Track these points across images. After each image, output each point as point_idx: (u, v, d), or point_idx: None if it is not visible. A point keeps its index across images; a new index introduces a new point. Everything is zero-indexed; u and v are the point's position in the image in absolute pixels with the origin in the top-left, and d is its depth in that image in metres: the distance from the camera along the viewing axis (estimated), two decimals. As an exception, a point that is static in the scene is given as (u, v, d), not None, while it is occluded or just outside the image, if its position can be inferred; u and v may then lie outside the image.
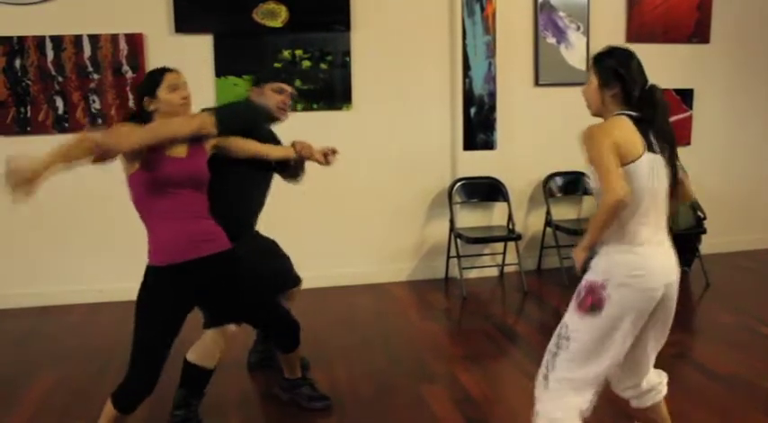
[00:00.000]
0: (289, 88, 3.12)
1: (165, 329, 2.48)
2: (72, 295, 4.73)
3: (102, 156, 2.27)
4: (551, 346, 2.28)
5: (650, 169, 2.18)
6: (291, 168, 3.21)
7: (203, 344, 2.85)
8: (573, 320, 2.23)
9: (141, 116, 2.52)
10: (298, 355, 3.01)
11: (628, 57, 2.26)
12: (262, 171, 3.10)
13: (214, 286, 2.59)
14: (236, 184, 2.94)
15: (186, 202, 2.50)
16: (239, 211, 3.04)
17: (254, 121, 2.95)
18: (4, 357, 3.91)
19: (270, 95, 3.06)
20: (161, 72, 2.56)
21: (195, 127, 2.51)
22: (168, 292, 2.48)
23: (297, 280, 3.46)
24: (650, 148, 2.20)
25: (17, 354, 3.94)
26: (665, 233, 2.32)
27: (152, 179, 2.42)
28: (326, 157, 3.13)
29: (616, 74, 2.22)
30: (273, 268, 3.29)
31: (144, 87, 2.54)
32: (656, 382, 2.51)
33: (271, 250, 3.32)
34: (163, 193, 2.44)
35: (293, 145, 3.09)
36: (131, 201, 2.51)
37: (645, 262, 2.20)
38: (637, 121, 2.19)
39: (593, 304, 2.17)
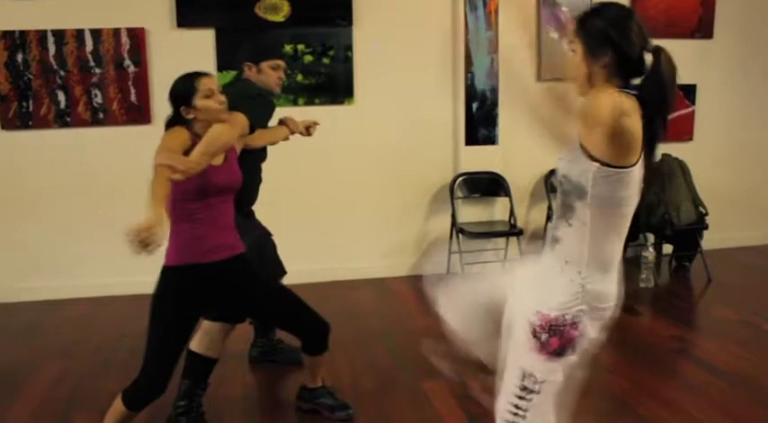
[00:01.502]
0: (283, 63, 3.22)
1: (179, 330, 2.49)
2: (75, 289, 4.73)
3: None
4: (513, 402, 1.85)
5: (640, 171, 1.73)
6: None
7: (208, 334, 2.87)
8: (538, 367, 1.79)
9: (179, 122, 2.48)
10: (323, 361, 2.92)
11: (623, 14, 1.75)
12: (258, 156, 3.15)
13: (230, 289, 2.60)
14: (247, 173, 2.94)
15: (218, 210, 2.52)
16: (252, 196, 3.14)
17: (269, 113, 3.03)
18: (8, 351, 3.92)
19: (269, 73, 3.15)
20: (193, 79, 2.46)
21: (239, 132, 2.58)
22: (183, 294, 2.49)
23: (282, 270, 3.41)
24: (648, 144, 1.73)
25: (20, 347, 3.95)
26: None
27: (193, 188, 2.42)
28: (308, 129, 3.24)
29: (607, 38, 1.71)
30: (269, 255, 3.32)
31: (179, 96, 2.45)
32: None
33: (264, 236, 3.33)
34: (198, 200, 2.46)
35: (284, 123, 3.17)
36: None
37: (609, 292, 1.79)
38: (639, 102, 1.69)
39: (562, 347, 1.76)
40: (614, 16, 1.73)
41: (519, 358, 1.83)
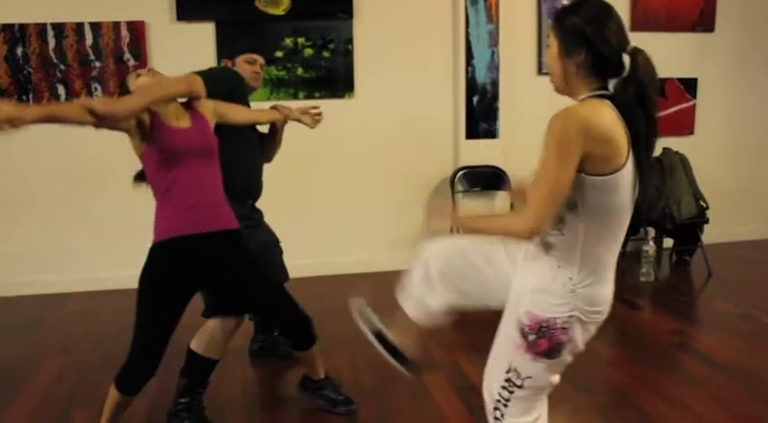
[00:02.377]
0: (260, 59, 3.19)
1: (168, 309, 2.44)
2: (74, 283, 4.74)
3: (100, 122, 2.26)
4: (500, 392, 1.89)
5: (634, 175, 1.69)
6: (268, 142, 3.25)
7: (210, 334, 2.83)
8: (524, 364, 1.81)
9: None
10: (316, 353, 2.88)
11: (601, 11, 1.67)
12: (254, 137, 3.14)
13: (218, 266, 2.54)
14: (238, 152, 2.91)
15: (197, 178, 2.47)
16: (250, 180, 3.09)
17: (237, 85, 2.99)
18: (7, 346, 3.92)
19: (242, 66, 3.14)
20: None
21: (186, 85, 2.53)
22: (171, 270, 2.44)
23: (286, 276, 3.40)
24: (635, 143, 1.66)
25: (20, 342, 3.96)
26: None
27: (161, 153, 2.40)
28: (310, 116, 3.17)
29: (582, 36, 1.65)
30: (272, 259, 3.30)
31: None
32: None
33: (271, 241, 3.31)
34: (174, 167, 2.42)
35: (275, 108, 3.13)
36: (147, 180, 2.49)
37: (604, 295, 1.78)
38: (616, 105, 1.65)
39: (550, 349, 1.76)
40: (592, 14, 1.67)
41: (507, 352, 1.86)
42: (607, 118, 1.61)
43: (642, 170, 1.68)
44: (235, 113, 2.81)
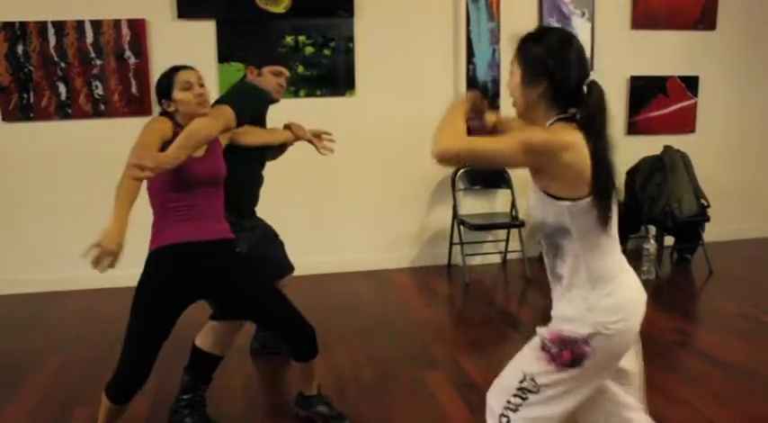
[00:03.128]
0: (286, 71, 3.17)
1: (161, 319, 2.42)
2: (75, 281, 4.74)
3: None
4: (509, 399, 1.85)
5: None
6: (275, 151, 3.26)
7: (216, 331, 2.82)
8: (543, 374, 1.80)
9: (167, 114, 2.50)
10: (315, 367, 2.80)
11: (563, 42, 1.71)
12: (253, 156, 3.11)
13: (216, 274, 2.53)
14: (239, 172, 2.92)
15: (201, 202, 2.49)
16: (244, 196, 3.08)
17: (263, 107, 3.03)
18: (8, 344, 3.93)
19: (269, 78, 3.11)
20: (172, 72, 2.50)
21: (222, 126, 2.53)
22: (169, 275, 2.44)
23: (291, 267, 3.46)
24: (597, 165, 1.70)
25: (21, 340, 3.96)
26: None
27: (171, 179, 2.40)
28: (320, 140, 3.20)
29: (544, 67, 1.68)
30: (273, 254, 3.33)
31: (159, 90, 2.51)
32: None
33: (270, 236, 3.33)
34: (182, 191, 2.44)
35: (288, 127, 3.14)
36: (146, 189, 2.48)
37: (624, 299, 1.78)
38: (580, 127, 1.69)
39: (575, 359, 1.75)
40: (554, 45, 1.70)
41: (523, 363, 1.85)
42: (582, 145, 1.65)
43: (606, 192, 1.69)
44: (248, 137, 2.87)
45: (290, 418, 2.94)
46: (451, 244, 5.17)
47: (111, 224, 2.23)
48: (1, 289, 4.75)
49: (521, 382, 1.84)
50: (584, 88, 1.69)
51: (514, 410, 1.85)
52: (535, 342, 1.84)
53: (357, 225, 5.15)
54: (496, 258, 5.33)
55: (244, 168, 2.96)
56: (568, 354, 1.76)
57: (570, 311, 1.77)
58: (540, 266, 5.52)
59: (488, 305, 4.44)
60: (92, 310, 4.40)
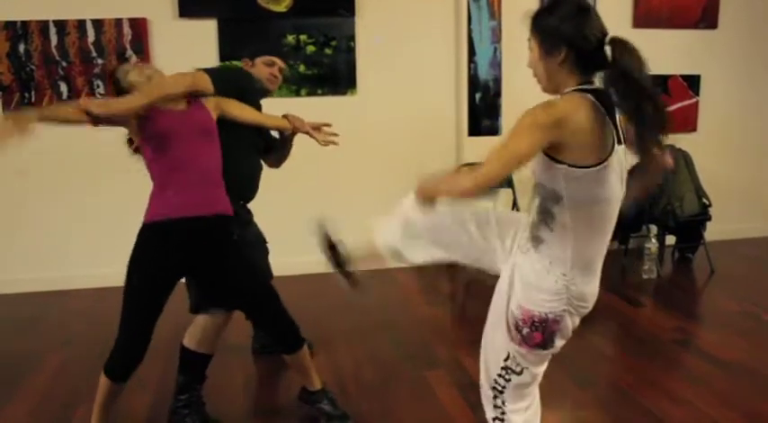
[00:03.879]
0: (279, 61, 3.15)
1: (153, 293, 2.42)
2: (77, 280, 4.74)
3: (96, 120, 2.28)
4: (497, 380, 1.95)
5: (621, 169, 1.70)
6: (277, 150, 3.22)
7: (201, 329, 2.80)
8: (519, 353, 1.88)
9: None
10: (307, 360, 2.78)
11: (575, 8, 1.68)
12: (253, 140, 3.09)
13: (207, 250, 2.50)
14: (235, 154, 2.91)
15: (195, 155, 2.45)
16: (243, 184, 3.03)
17: (247, 86, 2.97)
18: (8, 343, 3.93)
19: (261, 68, 3.11)
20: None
21: (189, 82, 2.51)
22: (159, 250, 2.42)
23: (270, 275, 3.36)
24: (619, 138, 1.68)
25: (21, 339, 3.96)
26: None
27: (154, 134, 2.40)
28: (319, 132, 3.14)
29: (560, 35, 1.66)
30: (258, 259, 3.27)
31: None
32: None
33: (260, 241, 3.29)
34: (170, 147, 2.41)
35: (286, 117, 3.08)
36: (147, 167, 2.49)
37: (592, 291, 1.85)
38: (598, 97, 1.65)
39: (545, 340, 1.82)
40: (567, 12, 1.68)
41: (504, 341, 1.90)
42: (584, 111, 1.62)
43: (643, 158, 1.67)
44: (239, 111, 2.80)
45: (291, 418, 2.94)
46: (453, 243, 5.16)
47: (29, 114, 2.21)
48: (1, 288, 4.75)
49: (505, 360, 1.91)
50: (608, 48, 1.66)
51: (501, 392, 1.95)
52: (508, 316, 1.87)
53: (358, 224, 5.14)
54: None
55: (245, 153, 2.95)
56: (539, 335, 1.81)
57: (547, 283, 1.77)
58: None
59: (490, 304, 4.44)
60: (92, 309, 4.40)
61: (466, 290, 4.75)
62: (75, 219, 4.72)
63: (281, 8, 4.82)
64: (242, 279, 2.60)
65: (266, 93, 3.15)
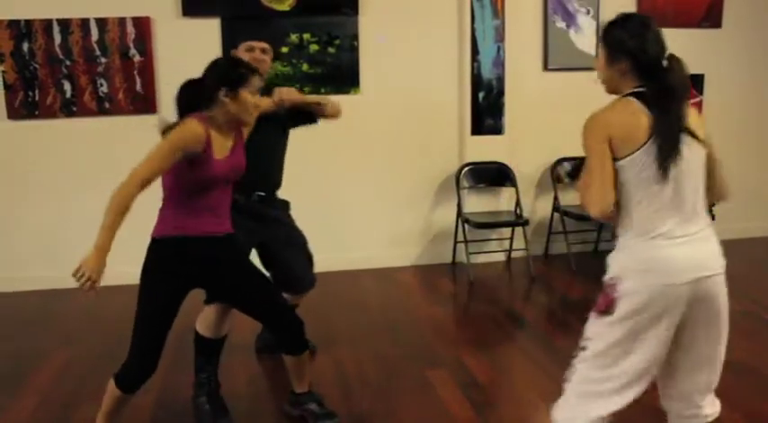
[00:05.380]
0: (258, 44, 3.12)
1: (165, 305, 2.44)
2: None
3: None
4: (572, 363, 2.05)
5: (658, 157, 1.88)
6: (305, 113, 3.17)
7: (209, 318, 2.92)
8: (589, 325, 2.00)
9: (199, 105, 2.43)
10: (306, 363, 2.82)
11: (642, 26, 1.96)
12: (277, 130, 3.14)
13: (212, 266, 2.53)
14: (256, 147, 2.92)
15: (215, 200, 2.49)
16: (259, 174, 3.04)
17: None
18: (15, 339, 3.94)
19: (242, 56, 3.07)
20: (248, 71, 2.44)
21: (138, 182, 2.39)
22: (167, 265, 2.45)
23: (311, 282, 3.42)
24: (660, 133, 1.88)
25: (26, 337, 3.98)
26: (697, 224, 1.99)
27: (192, 180, 2.39)
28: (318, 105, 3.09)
29: (624, 47, 1.93)
30: (293, 259, 3.30)
31: (227, 78, 2.40)
32: (699, 412, 2.11)
33: (296, 241, 3.32)
34: (199, 191, 2.43)
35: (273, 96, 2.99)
36: (161, 180, 2.45)
37: (660, 254, 1.91)
38: (647, 100, 1.89)
39: (606, 307, 1.94)
40: (632, 28, 1.94)
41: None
42: (623, 113, 1.89)
43: (661, 152, 1.87)
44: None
45: (293, 417, 2.95)
46: (456, 242, 5.17)
47: (93, 251, 2.29)
48: (7, 286, 4.76)
49: (582, 337, 2.02)
50: (665, 63, 1.94)
51: (575, 368, 2.02)
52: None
53: (361, 223, 5.15)
54: (501, 257, 5.32)
55: (261, 142, 2.91)
56: (603, 300, 1.95)
57: (612, 255, 1.99)
58: (545, 265, 5.50)
59: (492, 304, 4.44)
60: (97, 307, 4.41)
61: (468, 290, 4.75)
62: (81, 216, 4.72)
63: (285, 7, 4.82)
64: (244, 289, 2.64)
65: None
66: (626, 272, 1.92)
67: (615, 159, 1.89)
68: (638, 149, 1.87)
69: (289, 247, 3.28)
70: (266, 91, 3.02)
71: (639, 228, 1.92)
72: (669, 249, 1.91)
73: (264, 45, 3.15)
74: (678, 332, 1.96)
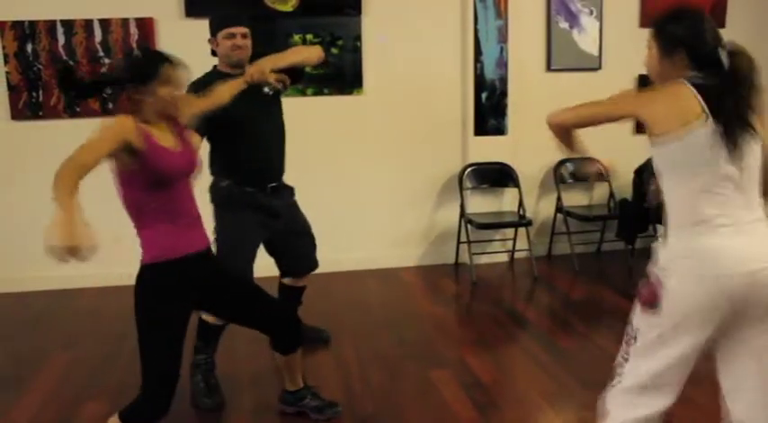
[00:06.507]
0: (240, 30, 3.08)
1: (175, 332, 2.30)
2: (84, 279, 4.76)
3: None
4: (621, 352, 2.02)
5: (714, 141, 1.81)
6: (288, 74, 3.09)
7: None
8: (636, 317, 1.95)
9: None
10: (298, 361, 2.79)
11: (699, 22, 1.94)
12: (280, 114, 3.17)
13: (209, 282, 2.46)
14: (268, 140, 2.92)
15: (180, 197, 2.36)
16: (254, 160, 3.08)
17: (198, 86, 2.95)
18: (17, 340, 3.95)
19: (223, 43, 3.10)
20: (159, 61, 2.41)
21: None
22: (170, 288, 2.32)
23: (314, 264, 3.49)
24: (717, 118, 1.82)
25: (28, 337, 3.98)
26: (753, 215, 1.87)
27: (148, 178, 2.27)
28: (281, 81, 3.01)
29: (681, 41, 1.91)
30: (299, 247, 3.40)
31: (138, 74, 2.36)
32: None
33: (302, 230, 3.40)
34: (165, 187, 2.30)
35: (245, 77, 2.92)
36: (121, 198, 2.38)
37: (713, 244, 1.81)
38: (702, 87, 1.84)
39: (651, 299, 1.88)
40: (689, 22, 1.93)
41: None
42: (675, 94, 1.85)
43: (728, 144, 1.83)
44: (208, 102, 2.70)
45: (291, 414, 2.95)
46: (459, 242, 5.16)
47: (56, 217, 2.01)
48: (9, 286, 4.77)
49: (628, 326, 1.99)
50: (723, 55, 1.89)
51: (626, 359, 2.00)
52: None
53: (364, 223, 5.15)
54: (504, 257, 5.32)
55: (259, 130, 2.95)
56: (648, 292, 1.90)
57: (660, 248, 1.94)
58: (548, 265, 5.50)
59: (495, 304, 4.44)
60: (100, 307, 4.42)
61: (471, 290, 4.75)
62: (87, 217, 4.74)
63: (288, 7, 4.83)
64: (231, 299, 2.57)
65: (238, 67, 3.06)
66: (673, 265, 1.87)
67: (657, 135, 1.86)
68: (695, 131, 1.81)
69: (295, 235, 3.36)
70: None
71: (690, 215, 1.86)
72: (722, 236, 1.82)
73: (245, 30, 3.11)
74: (736, 333, 1.89)
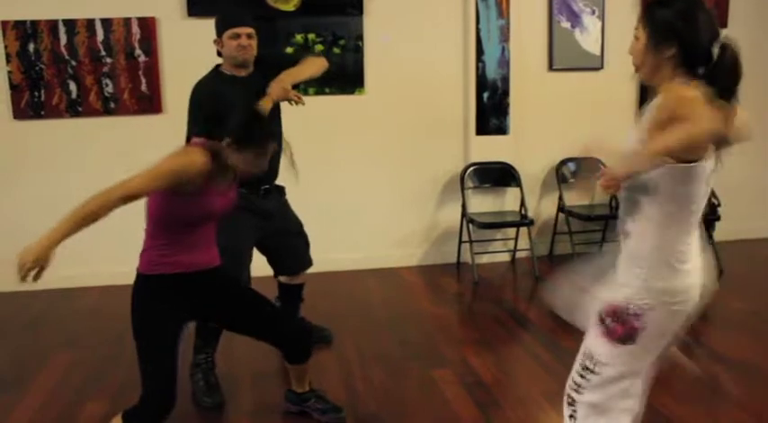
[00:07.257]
0: (245, 30, 3.08)
1: (166, 340, 2.33)
2: (85, 278, 4.76)
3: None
4: (574, 378, 1.92)
5: (710, 165, 1.71)
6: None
7: None
8: (600, 350, 1.83)
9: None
10: (308, 368, 2.82)
11: (691, 5, 1.68)
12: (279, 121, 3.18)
13: (207, 301, 2.48)
14: None
15: (206, 232, 2.42)
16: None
17: (207, 107, 2.97)
18: (18, 340, 3.95)
19: (228, 43, 3.10)
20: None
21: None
22: (162, 301, 2.34)
23: (308, 263, 3.51)
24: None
25: (31, 336, 3.99)
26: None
27: (189, 214, 2.31)
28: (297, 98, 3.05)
29: (672, 30, 1.66)
30: (293, 247, 3.40)
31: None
32: None
33: (294, 229, 3.40)
34: (193, 225, 2.35)
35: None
36: (149, 202, 2.35)
37: (688, 283, 1.77)
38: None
39: (626, 335, 1.77)
40: (682, 8, 1.68)
41: (588, 340, 1.87)
42: (715, 111, 1.62)
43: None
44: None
45: (294, 413, 2.95)
46: (460, 242, 5.16)
47: (43, 240, 2.13)
48: (10, 286, 4.77)
49: (584, 359, 1.87)
50: (716, 50, 1.66)
51: (578, 392, 1.89)
52: (596, 313, 1.83)
53: (366, 223, 5.15)
54: (505, 257, 5.32)
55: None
56: (620, 328, 1.76)
57: (628, 278, 1.77)
58: (550, 265, 5.50)
59: (497, 304, 4.44)
60: (101, 307, 4.42)
61: (473, 289, 4.74)
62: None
63: (290, 7, 4.82)
64: (240, 316, 2.59)
65: (241, 64, 3.09)
66: (653, 302, 1.75)
67: (677, 162, 1.61)
68: (705, 156, 1.64)
69: (288, 235, 3.37)
70: (261, 73, 3.06)
71: (672, 256, 1.73)
72: (692, 273, 1.77)
73: (250, 30, 3.11)
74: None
